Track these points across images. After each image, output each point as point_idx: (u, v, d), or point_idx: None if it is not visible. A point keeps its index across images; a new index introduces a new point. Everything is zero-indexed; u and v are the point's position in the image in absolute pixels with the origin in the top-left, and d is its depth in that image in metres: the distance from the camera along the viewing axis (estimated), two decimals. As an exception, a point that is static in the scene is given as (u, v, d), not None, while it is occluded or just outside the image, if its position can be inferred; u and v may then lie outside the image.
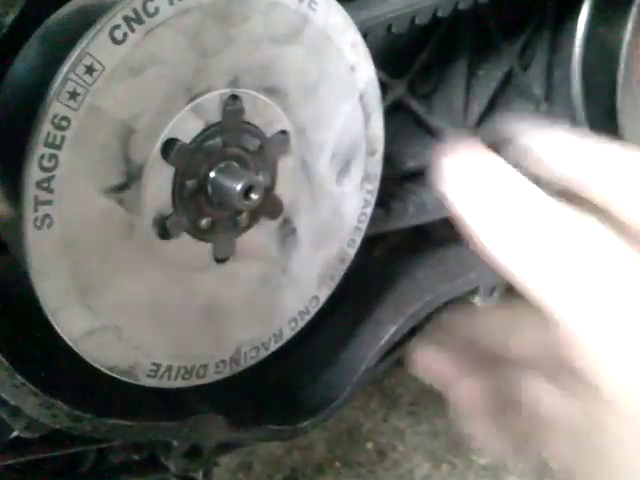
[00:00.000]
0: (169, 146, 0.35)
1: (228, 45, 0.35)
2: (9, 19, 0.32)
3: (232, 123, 0.37)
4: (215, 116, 0.36)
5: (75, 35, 0.31)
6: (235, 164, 0.36)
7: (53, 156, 0.31)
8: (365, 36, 0.43)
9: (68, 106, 0.31)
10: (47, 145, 0.31)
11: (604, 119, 0.74)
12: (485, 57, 0.68)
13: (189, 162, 0.36)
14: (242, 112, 0.37)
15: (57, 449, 0.44)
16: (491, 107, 0.71)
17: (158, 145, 0.35)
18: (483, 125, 0.71)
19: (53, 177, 0.32)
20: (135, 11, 0.32)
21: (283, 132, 0.39)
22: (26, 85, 0.33)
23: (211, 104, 0.36)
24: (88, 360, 0.35)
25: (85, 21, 0.32)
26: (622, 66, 0.70)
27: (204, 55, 0.35)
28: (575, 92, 0.72)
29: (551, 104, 0.75)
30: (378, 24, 0.47)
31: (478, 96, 0.69)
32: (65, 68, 0.31)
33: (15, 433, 0.40)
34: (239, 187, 0.35)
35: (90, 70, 0.31)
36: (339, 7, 0.39)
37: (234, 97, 0.36)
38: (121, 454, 0.48)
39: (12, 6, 0.31)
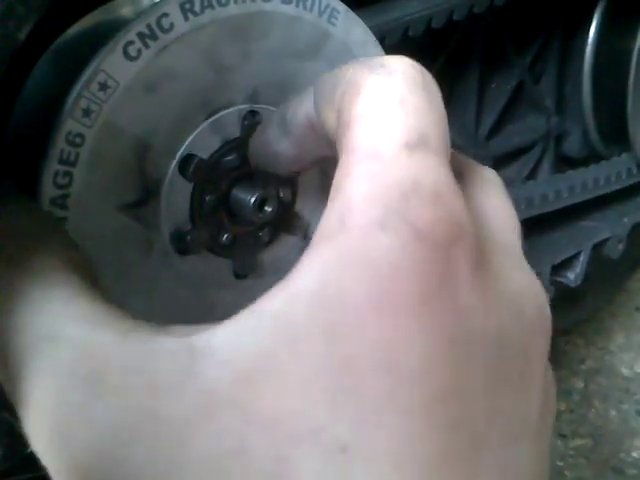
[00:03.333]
0: (187, 162, 0.34)
1: (246, 60, 0.34)
2: (22, 34, 0.31)
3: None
4: (234, 131, 0.35)
5: (89, 51, 0.30)
6: (250, 178, 0.36)
7: (67, 173, 0.30)
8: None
9: (82, 123, 0.30)
10: (61, 162, 0.30)
11: (615, 130, 0.73)
12: (496, 70, 0.68)
13: (208, 178, 0.34)
14: None
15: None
16: (502, 120, 0.71)
17: (175, 161, 0.33)
18: (494, 138, 0.70)
19: (68, 194, 0.30)
20: (149, 27, 0.31)
21: None
22: (40, 102, 0.32)
23: (229, 120, 0.35)
24: None
25: (99, 37, 0.31)
26: (632, 77, 0.69)
27: (221, 71, 0.33)
28: (586, 104, 0.72)
29: (562, 116, 0.74)
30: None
31: (489, 109, 0.69)
32: (79, 85, 0.30)
33: (31, 448, 0.39)
34: (253, 200, 0.35)
35: (104, 87, 0.30)
36: (359, 21, 0.37)
37: (253, 112, 0.35)
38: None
39: (25, 21, 0.31)
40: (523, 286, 0.23)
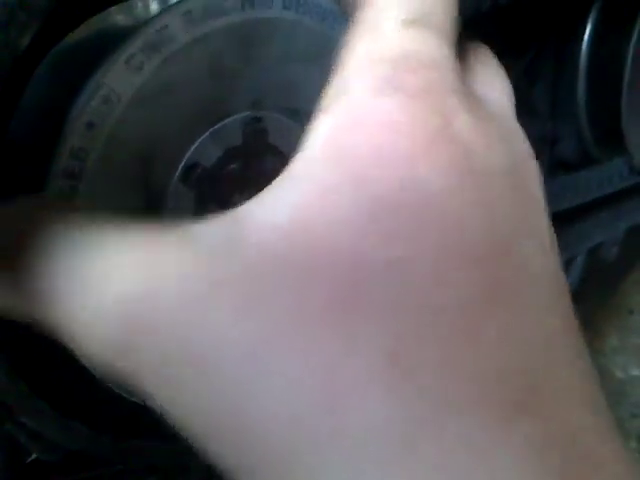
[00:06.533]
0: (190, 171, 0.34)
1: (248, 67, 0.34)
2: (24, 41, 0.31)
3: (254, 145, 0.36)
4: (237, 139, 0.35)
5: (90, 63, 0.30)
6: (253, 185, 0.36)
7: (72, 187, 0.30)
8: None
9: (86, 137, 0.30)
10: (66, 177, 0.30)
11: (609, 134, 0.73)
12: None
13: (211, 186, 0.34)
14: (266, 134, 0.36)
15: (74, 472, 0.43)
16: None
17: (178, 171, 0.34)
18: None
19: None
20: (151, 39, 0.31)
21: None
22: (41, 115, 0.32)
23: (232, 128, 0.35)
24: (101, 378, 0.35)
25: (100, 48, 0.31)
26: (626, 80, 0.70)
27: (223, 79, 0.34)
28: (580, 108, 0.72)
29: (557, 120, 0.75)
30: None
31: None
32: (81, 99, 0.30)
33: (32, 457, 0.39)
34: None
35: (107, 100, 0.30)
36: None
37: (256, 119, 0.36)
38: (138, 476, 0.47)
39: (28, 28, 0.31)
40: (510, 126, 0.26)
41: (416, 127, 0.22)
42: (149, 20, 0.31)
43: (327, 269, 0.20)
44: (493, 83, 0.28)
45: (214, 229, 0.22)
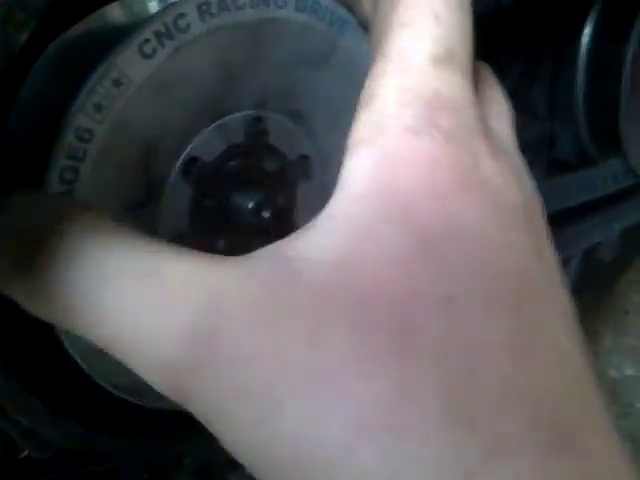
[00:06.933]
0: (190, 165, 0.34)
1: (257, 66, 0.34)
2: (23, 38, 0.31)
3: (255, 145, 0.35)
4: (239, 137, 0.35)
5: (101, 49, 0.30)
6: (251, 184, 0.36)
7: (74, 169, 0.30)
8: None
9: (93, 119, 0.30)
10: (69, 157, 0.30)
11: (607, 135, 0.73)
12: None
13: (209, 181, 0.34)
14: (267, 135, 0.36)
15: (67, 469, 0.43)
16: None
17: (179, 163, 0.33)
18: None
19: (73, 190, 0.30)
20: (166, 26, 0.31)
21: (305, 157, 0.38)
22: (45, 99, 0.32)
23: (235, 125, 0.35)
24: (93, 377, 0.34)
25: (112, 34, 0.30)
26: (625, 82, 0.70)
27: (232, 75, 0.33)
28: (579, 108, 0.72)
29: (555, 121, 0.75)
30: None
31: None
32: (92, 79, 0.30)
33: (24, 454, 0.39)
34: (251, 205, 0.35)
35: (117, 83, 0.30)
36: (365, 34, 0.37)
37: (258, 119, 0.35)
38: (132, 473, 0.47)
39: (26, 25, 0.30)
40: (517, 160, 0.27)
41: (453, 166, 0.23)
42: (166, 7, 0.31)
43: (381, 308, 0.20)
44: (495, 108, 0.28)
45: (271, 261, 0.22)
